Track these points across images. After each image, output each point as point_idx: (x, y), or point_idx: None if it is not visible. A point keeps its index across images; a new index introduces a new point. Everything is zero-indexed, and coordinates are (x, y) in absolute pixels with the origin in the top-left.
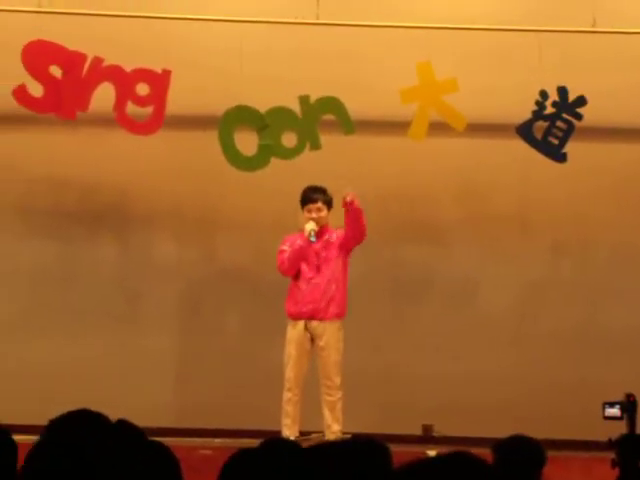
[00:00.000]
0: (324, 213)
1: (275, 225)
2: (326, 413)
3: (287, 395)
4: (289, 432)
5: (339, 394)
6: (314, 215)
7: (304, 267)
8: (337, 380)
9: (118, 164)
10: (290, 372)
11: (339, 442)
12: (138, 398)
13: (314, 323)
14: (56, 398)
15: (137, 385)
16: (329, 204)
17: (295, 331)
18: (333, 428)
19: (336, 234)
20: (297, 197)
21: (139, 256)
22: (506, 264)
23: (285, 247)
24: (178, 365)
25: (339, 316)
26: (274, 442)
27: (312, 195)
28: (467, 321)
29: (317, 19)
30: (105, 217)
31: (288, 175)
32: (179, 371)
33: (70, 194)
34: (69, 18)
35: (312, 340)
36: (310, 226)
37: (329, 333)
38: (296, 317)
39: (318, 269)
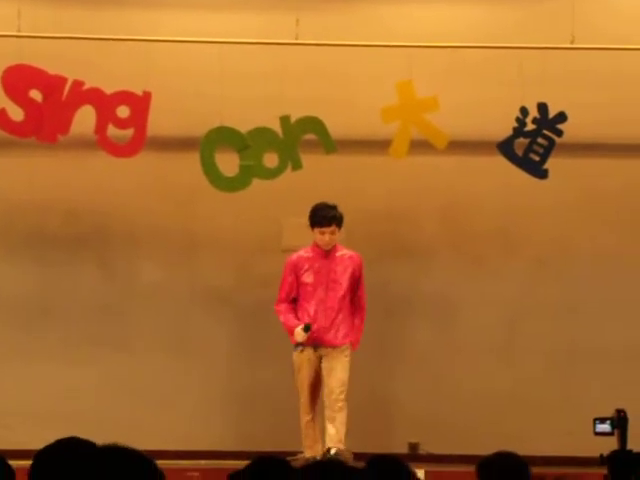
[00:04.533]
0: (337, 236)
1: (259, 246)
2: (328, 426)
3: (305, 418)
4: (311, 452)
5: (343, 409)
6: (327, 238)
7: (310, 285)
8: (341, 396)
9: (100, 187)
10: (305, 398)
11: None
12: (124, 422)
13: (322, 349)
14: (43, 424)
15: (122, 409)
16: (341, 223)
17: (303, 356)
18: (334, 438)
19: (349, 255)
20: (279, 217)
21: (123, 279)
22: (490, 281)
23: (283, 295)
24: (164, 388)
25: (348, 341)
26: (263, 460)
27: (326, 216)
28: (451, 338)
29: (296, 39)
30: (87, 241)
31: (270, 195)
32: (165, 394)
33: (51, 218)
34: (49, 42)
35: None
36: (300, 337)
37: (337, 353)
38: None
39: (327, 288)
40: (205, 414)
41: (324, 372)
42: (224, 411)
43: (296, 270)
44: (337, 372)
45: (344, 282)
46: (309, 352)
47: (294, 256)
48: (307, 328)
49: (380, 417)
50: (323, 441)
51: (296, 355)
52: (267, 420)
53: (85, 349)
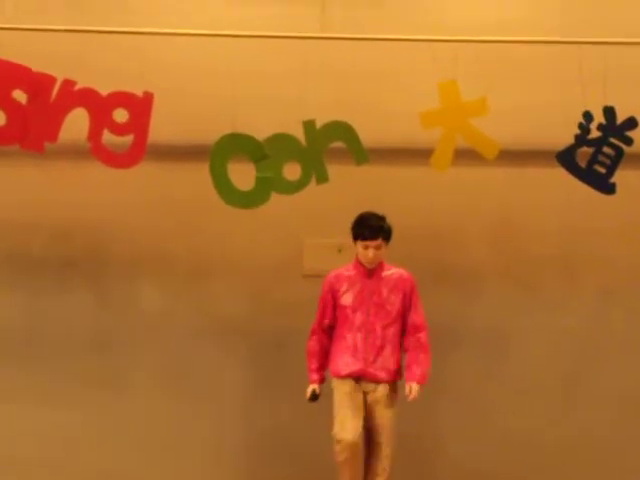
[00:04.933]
0: (383, 251)
1: (277, 270)
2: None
3: (342, 456)
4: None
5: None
6: (370, 254)
7: (349, 308)
8: (387, 450)
9: (93, 202)
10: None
11: None
12: (124, 473)
13: (364, 384)
14: (24, 476)
15: (121, 458)
16: (389, 237)
17: (345, 386)
18: None
19: (398, 275)
20: (301, 237)
21: (119, 308)
22: (547, 312)
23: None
24: (167, 434)
25: (395, 378)
26: None
27: (372, 227)
28: (502, 376)
29: (321, 32)
30: (78, 264)
31: (291, 213)
32: (169, 441)
33: (37, 238)
34: (34, 35)
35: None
36: (309, 392)
37: (382, 390)
38: (343, 377)
39: (369, 313)
40: (216, 463)
41: (368, 411)
42: (237, 459)
43: (333, 291)
44: (384, 415)
45: (391, 307)
46: (350, 383)
47: (332, 274)
48: (314, 397)
49: (421, 462)
50: None
51: (336, 385)
52: (284, 463)
53: (75, 388)
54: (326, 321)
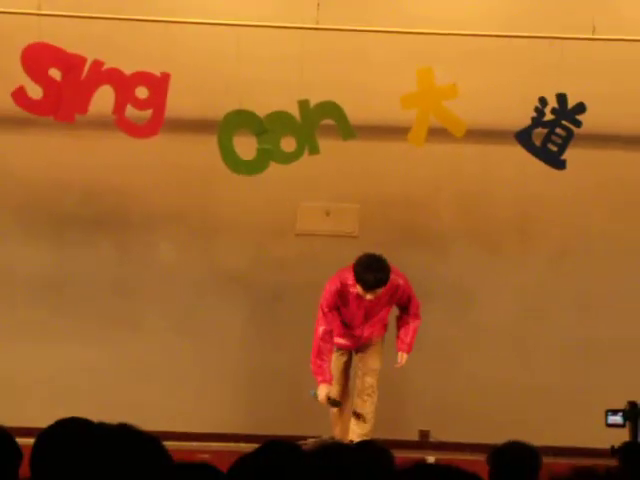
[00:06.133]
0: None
1: (274, 229)
2: (352, 419)
3: (333, 410)
4: (326, 390)
5: (371, 397)
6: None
7: (349, 312)
8: (372, 382)
9: (117, 167)
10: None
11: (339, 445)
12: (137, 402)
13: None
14: (56, 401)
15: (135, 389)
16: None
17: (335, 355)
18: (357, 431)
19: (394, 286)
20: (295, 201)
21: (138, 260)
22: (507, 270)
23: (321, 327)
24: (176, 369)
25: (381, 336)
26: (274, 444)
27: (375, 284)
28: (466, 327)
29: (317, 23)
30: (104, 221)
31: (286, 180)
32: (177, 375)
33: (68, 198)
34: (69, 21)
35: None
36: (323, 393)
37: (371, 346)
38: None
39: (366, 318)
40: (216, 396)
41: (356, 359)
42: (236, 393)
43: (340, 296)
44: (368, 360)
45: (383, 308)
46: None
47: (339, 281)
48: (334, 402)
49: (392, 404)
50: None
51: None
52: (279, 404)
53: (99, 328)
54: (334, 322)
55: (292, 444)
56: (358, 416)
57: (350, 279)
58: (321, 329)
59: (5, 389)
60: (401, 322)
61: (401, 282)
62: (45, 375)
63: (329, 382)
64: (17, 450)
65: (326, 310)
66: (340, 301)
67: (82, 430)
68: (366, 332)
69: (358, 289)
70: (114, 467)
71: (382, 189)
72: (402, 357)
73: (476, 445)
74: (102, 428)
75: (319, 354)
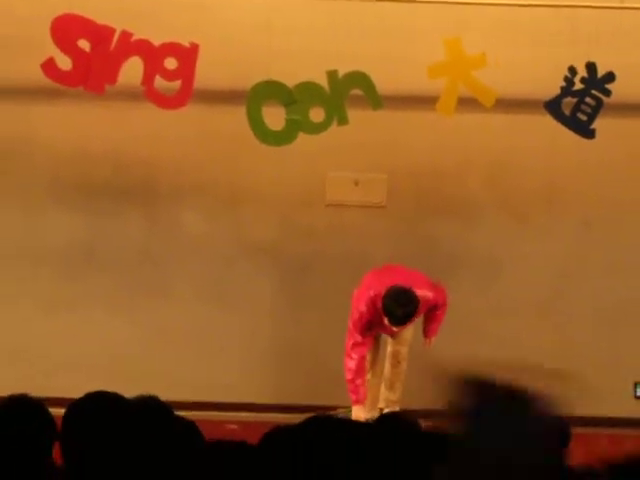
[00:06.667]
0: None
1: (303, 199)
2: (382, 387)
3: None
4: (362, 414)
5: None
6: (395, 330)
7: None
8: (404, 351)
9: (146, 138)
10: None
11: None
12: (166, 372)
13: None
14: (86, 371)
15: (164, 358)
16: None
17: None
18: (387, 397)
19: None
20: (324, 171)
21: (167, 230)
22: (535, 240)
23: (354, 356)
24: (205, 339)
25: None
26: (317, 420)
27: (403, 318)
28: (496, 296)
29: None
30: (133, 191)
31: (315, 150)
32: (206, 345)
33: (98, 169)
34: None
35: None
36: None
37: None
38: None
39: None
40: (246, 366)
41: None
42: (265, 364)
43: (373, 311)
44: (402, 333)
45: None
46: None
47: (370, 304)
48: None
49: (419, 374)
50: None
51: None
52: (308, 374)
53: (129, 298)
54: (368, 331)
55: (331, 418)
56: (389, 384)
57: (378, 301)
58: (354, 359)
59: (36, 359)
60: (428, 315)
61: (430, 296)
62: (77, 346)
63: (362, 403)
64: (51, 422)
65: (359, 339)
66: (374, 319)
67: (111, 404)
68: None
69: (386, 322)
70: (142, 443)
71: (410, 159)
72: (429, 343)
73: None
74: (130, 403)
75: (356, 371)
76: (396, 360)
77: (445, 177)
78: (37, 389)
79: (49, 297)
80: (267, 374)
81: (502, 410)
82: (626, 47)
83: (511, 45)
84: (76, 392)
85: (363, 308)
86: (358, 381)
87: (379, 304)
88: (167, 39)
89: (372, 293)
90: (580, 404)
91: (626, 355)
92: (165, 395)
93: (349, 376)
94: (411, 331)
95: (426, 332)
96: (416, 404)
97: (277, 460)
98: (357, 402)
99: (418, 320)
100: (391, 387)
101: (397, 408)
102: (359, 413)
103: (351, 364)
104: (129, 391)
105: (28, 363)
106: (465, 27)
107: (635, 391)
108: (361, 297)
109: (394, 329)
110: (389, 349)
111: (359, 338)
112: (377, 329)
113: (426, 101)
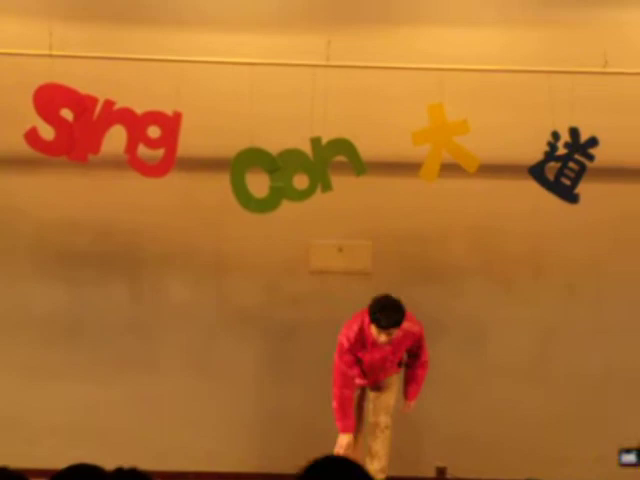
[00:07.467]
0: (396, 330)
1: (287, 267)
2: (367, 456)
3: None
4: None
5: (384, 433)
6: (383, 338)
7: (365, 363)
8: (387, 419)
9: (130, 206)
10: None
11: None
12: (149, 441)
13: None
14: (71, 442)
15: (148, 428)
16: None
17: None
18: (372, 467)
19: (404, 334)
20: (307, 239)
21: (151, 299)
22: (520, 304)
23: (343, 367)
24: (189, 408)
25: (397, 373)
26: None
27: (390, 323)
28: (481, 361)
29: (328, 60)
30: (117, 260)
31: (299, 217)
32: (190, 414)
33: (82, 236)
34: (80, 62)
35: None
36: (344, 442)
37: (386, 383)
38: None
39: (382, 368)
40: (229, 435)
41: (371, 395)
42: (249, 432)
43: (353, 350)
44: (383, 397)
45: (396, 356)
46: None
47: (352, 337)
48: None
49: (408, 439)
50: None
51: None
52: (292, 442)
53: (112, 368)
54: (354, 368)
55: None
56: (373, 454)
57: (359, 329)
58: (340, 382)
59: (20, 429)
60: (410, 376)
61: (417, 329)
62: (60, 415)
63: (351, 431)
64: None
65: (344, 368)
66: (359, 347)
67: (91, 477)
68: (381, 376)
69: (372, 330)
70: None
71: (394, 225)
72: (409, 406)
73: None
74: (111, 476)
75: (345, 402)
76: (379, 430)
77: (429, 242)
78: (19, 457)
79: (31, 366)
80: (251, 443)
81: None
82: (609, 111)
83: (493, 111)
84: (58, 461)
85: (351, 332)
86: (347, 411)
87: (367, 321)
88: (150, 108)
89: (362, 317)
90: (569, 469)
91: (611, 420)
92: (149, 465)
93: (335, 404)
94: (394, 398)
95: (406, 394)
96: (405, 472)
97: None
98: (344, 430)
99: (398, 386)
100: (377, 458)
101: (383, 477)
102: (344, 440)
103: (335, 392)
104: (111, 460)
105: (10, 431)
106: (447, 93)
107: (620, 459)
108: (349, 325)
109: (381, 339)
110: (372, 420)
111: (341, 375)
112: (362, 353)
113: (409, 167)
